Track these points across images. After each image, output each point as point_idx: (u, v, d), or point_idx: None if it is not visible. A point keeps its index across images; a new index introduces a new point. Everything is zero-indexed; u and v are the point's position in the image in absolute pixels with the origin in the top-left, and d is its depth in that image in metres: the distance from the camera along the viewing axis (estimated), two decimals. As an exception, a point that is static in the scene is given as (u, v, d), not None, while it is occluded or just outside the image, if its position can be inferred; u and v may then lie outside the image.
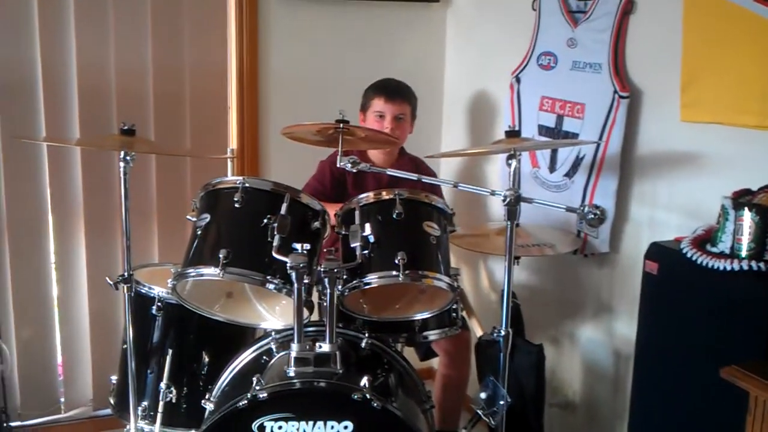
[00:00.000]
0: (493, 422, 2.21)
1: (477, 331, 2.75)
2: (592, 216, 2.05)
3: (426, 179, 2.37)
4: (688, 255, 2.07)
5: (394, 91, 3.06)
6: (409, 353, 2.66)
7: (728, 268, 1.95)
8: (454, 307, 2.56)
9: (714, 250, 2.05)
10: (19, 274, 3.17)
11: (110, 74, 3.16)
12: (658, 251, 2.19)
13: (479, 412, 2.23)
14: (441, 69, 3.81)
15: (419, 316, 2.44)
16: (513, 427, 2.34)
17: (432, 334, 2.60)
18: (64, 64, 3.09)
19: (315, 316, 2.31)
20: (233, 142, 3.46)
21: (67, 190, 3.20)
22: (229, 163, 3.49)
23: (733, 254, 1.99)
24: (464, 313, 2.77)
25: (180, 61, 3.28)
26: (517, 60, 3.14)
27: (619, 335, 2.79)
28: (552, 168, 2.97)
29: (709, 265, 2.00)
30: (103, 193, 3.22)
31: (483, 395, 2.21)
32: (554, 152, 2.96)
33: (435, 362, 3.23)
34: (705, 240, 2.11)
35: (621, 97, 2.62)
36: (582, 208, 2.07)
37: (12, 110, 3.05)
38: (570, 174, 2.88)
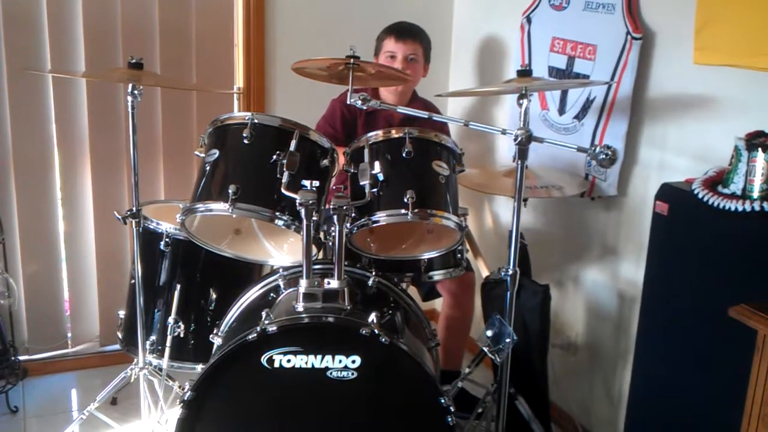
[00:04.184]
0: (498, 360, 2.24)
1: (483, 271, 2.77)
2: (604, 156, 2.04)
3: (436, 117, 2.35)
4: (700, 196, 2.06)
5: (405, 30, 3.02)
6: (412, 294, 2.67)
7: (740, 209, 1.95)
8: (459, 248, 2.58)
9: (726, 191, 2.04)
10: (25, 209, 3.18)
11: (116, 7, 3.12)
12: (669, 192, 2.19)
13: (485, 349, 2.25)
14: (449, 9, 3.76)
15: (426, 256, 2.45)
16: (517, 365, 2.37)
17: (437, 275, 2.62)
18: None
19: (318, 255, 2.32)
20: (239, 80, 3.43)
21: (72, 125, 3.19)
22: (236, 102, 3.47)
23: (745, 195, 1.99)
24: (469, 254, 2.78)
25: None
26: (527, 0, 3.10)
27: (624, 278, 2.81)
28: (561, 110, 2.95)
29: (721, 206, 2.00)
30: (109, 128, 3.21)
31: (489, 333, 2.23)
32: (564, 94, 2.94)
33: (438, 304, 3.26)
34: (716, 181, 2.11)
35: (634, 38, 2.59)
36: (593, 148, 2.06)
37: (17, 43, 3.02)
38: (580, 116, 2.86)
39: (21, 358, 3.21)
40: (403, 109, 2.35)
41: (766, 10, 2.17)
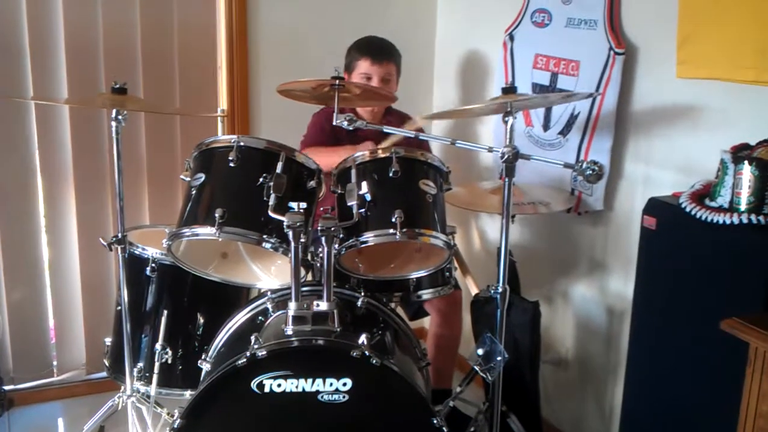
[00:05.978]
0: (490, 378, 2.22)
1: (472, 288, 2.75)
2: (590, 171, 2.03)
3: (423, 136, 2.35)
4: (687, 209, 2.07)
5: (381, 52, 3.01)
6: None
7: (727, 221, 1.96)
8: (447, 266, 2.57)
9: (713, 204, 2.05)
10: (8, 237, 3.14)
11: (98, 32, 3.10)
12: (656, 206, 2.19)
13: (476, 368, 2.23)
14: (432, 27, 3.77)
15: (415, 275, 2.44)
16: (508, 383, 2.35)
17: (426, 293, 2.62)
18: (51, 21, 3.03)
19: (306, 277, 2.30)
20: (223, 103, 3.42)
21: (55, 151, 3.16)
22: (219, 125, 3.45)
23: (732, 208, 1.99)
24: (458, 272, 2.77)
25: (168, 19, 3.23)
26: (510, 17, 3.11)
27: (613, 293, 2.81)
28: (546, 126, 2.96)
29: (708, 219, 2.00)
30: (93, 154, 3.19)
31: (480, 351, 2.22)
32: (548, 110, 2.94)
33: (426, 322, 3.24)
34: (703, 194, 2.12)
35: (617, 53, 2.60)
36: (580, 164, 2.05)
37: (-1, 70, 3.00)
38: (564, 132, 2.87)
39: (6, 387, 3.16)
40: (390, 129, 2.34)
41: (746, 23, 2.20)
